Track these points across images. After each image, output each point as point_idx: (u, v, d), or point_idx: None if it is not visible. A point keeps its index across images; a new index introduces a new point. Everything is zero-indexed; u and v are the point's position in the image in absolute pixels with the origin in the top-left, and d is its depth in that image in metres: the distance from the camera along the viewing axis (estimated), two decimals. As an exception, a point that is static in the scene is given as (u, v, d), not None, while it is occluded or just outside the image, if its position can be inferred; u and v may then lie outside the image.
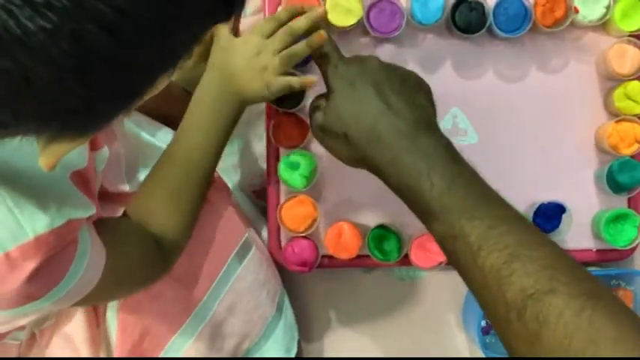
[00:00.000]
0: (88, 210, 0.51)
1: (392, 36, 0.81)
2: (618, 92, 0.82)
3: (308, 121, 0.82)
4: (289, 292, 0.90)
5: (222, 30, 0.69)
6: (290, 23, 0.69)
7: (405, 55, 0.85)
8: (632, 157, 0.83)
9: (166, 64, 0.36)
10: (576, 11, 0.81)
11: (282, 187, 0.85)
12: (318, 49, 0.66)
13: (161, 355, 0.71)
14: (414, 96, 0.62)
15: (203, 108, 0.69)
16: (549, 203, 0.85)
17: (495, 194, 0.57)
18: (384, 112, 0.60)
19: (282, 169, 0.82)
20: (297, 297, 0.92)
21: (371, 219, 0.85)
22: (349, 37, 0.84)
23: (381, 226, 0.84)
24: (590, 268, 0.89)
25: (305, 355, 0.93)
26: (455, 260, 0.55)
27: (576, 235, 0.87)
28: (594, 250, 0.88)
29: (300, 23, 0.68)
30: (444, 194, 0.55)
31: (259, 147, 0.94)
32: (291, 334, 0.86)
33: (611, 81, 0.85)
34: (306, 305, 0.94)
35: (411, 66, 0.85)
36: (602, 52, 0.84)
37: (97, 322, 0.71)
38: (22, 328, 0.69)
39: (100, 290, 0.54)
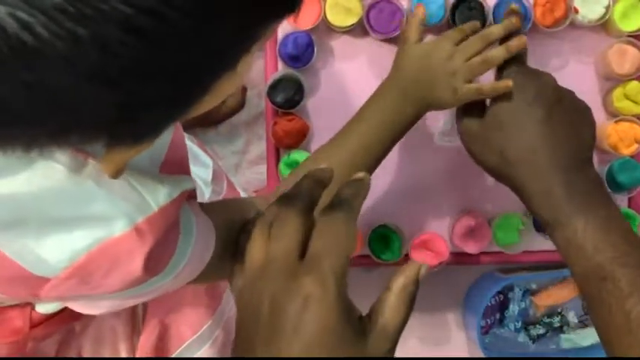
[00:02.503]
0: (192, 182, 0.51)
1: (391, 36, 0.81)
2: (617, 92, 0.83)
3: (308, 122, 0.83)
4: (290, 292, 0.90)
5: (411, 32, 0.68)
6: (486, 30, 0.67)
7: (405, 55, 0.85)
8: (632, 157, 0.83)
9: (215, 66, 0.33)
10: (576, 11, 0.81)
11: (282, 187, 0.85)
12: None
13: (176, 354, 0.71)
14: (580, 129, 0.63)
15: (381, 106, 0.68)
16: (549, 203, 0.85)
17: None
18: (547, 140, 0.61)
19: (283, 169, 0.82)
20: (297, 297, 0.92)
21: (371, 219, 0.85)
22: (349, 37, 0.84)
23: (381, 226, 0.84)
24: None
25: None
26: (597, 300, 0.56)
27: (576, 234, 0.87)
28: (594, 249, 0.88)
29: (496, 30, 0.66)
30: (597, 234, 0.56)
31: (259, 147, 0.95)
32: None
33: (611, 81, 0.85)
34: (306, 305, 0.94)
35: (411, 66, 0.85)
36: (602, 52, 0.84)
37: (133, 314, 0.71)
38: None
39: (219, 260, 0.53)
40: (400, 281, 0.42)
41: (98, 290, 0.45)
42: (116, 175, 0.38)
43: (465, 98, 0.66)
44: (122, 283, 0.45)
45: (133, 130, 0.33)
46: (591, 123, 0.65)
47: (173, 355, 0.71)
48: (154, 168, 0.48)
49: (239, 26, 0.32)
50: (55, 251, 0.42)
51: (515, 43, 0.65)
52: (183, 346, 0.71)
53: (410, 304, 0.42)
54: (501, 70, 0.66)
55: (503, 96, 0.63)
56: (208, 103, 0.37)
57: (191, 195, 0.50)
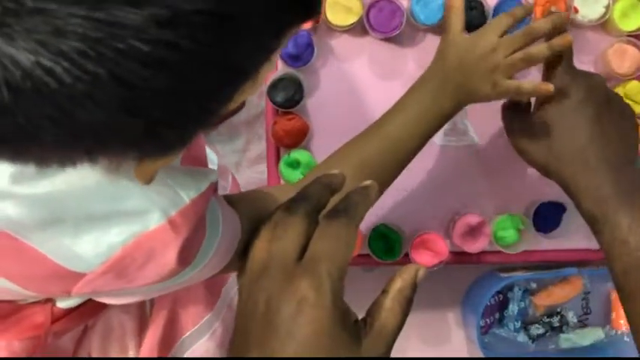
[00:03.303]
0: (215, 173, 0.51)
1: (391, 35, 0.81)
2: (617, 92, 0.83)
3: (308, 121, 0.83)
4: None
5: (454, 22, 0.68)
6: (531, 25, 0.65)
7: (405, 54, 0.85)
8: (632, 156, 0.83)
9: (237, 81, 0.34)
10: (576, 11, 0.81)
11: (282, 187, 0.86)
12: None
13: (174, 349, 0.71)
14: (628, 130, 0.65)
15: (420, 96, 0.68)
16: (549, 203, 0.85)
17: None
18: (597, 138, 0.62)
19: (283, 169, 0.82)
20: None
21: (371, 218, 0.85)
22: (349, 36, 0.84)
23: (381, 226, 0.84)
24: (589, 268, 0.89)
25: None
26: (637, 292, 0.59)
27: (576, 235, 0.87)
28: (594, 249, 0.88)
29: (543, 25, 0.64)
30: None
31: (259, 146, 0.95)
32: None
33: (611, 81, 0.85)
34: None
35: (411, 66, 0.85)
36: (602, 52, 0.84)
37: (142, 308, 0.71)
38: None
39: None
40: (397, 284, 0.42)
41: (133, 284, 0.46)
42: (149, 181, 0.39)
43: (505, 94, 0.66)
44: (157, 276, 0.46)
45: (161, 146, 0.34)
46: (636, 125, 0.66)
47: (175, 346, 0.71)
48: (175, 161, 0.49)
49: (260, 43, 0.33)
50: (91, 247, 0.43)
51: (559, 42, 0.63)
52: (183, 337, 0.71)
53: (406, 308, 0.42)
54: (549, 68, 0.66)
55: (553, 95, 0.64)
56: (230, 108, 0.38)
57: (216, 187, 0.51)
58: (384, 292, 0.42)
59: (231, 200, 0.55)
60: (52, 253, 0.43)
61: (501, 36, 0.65)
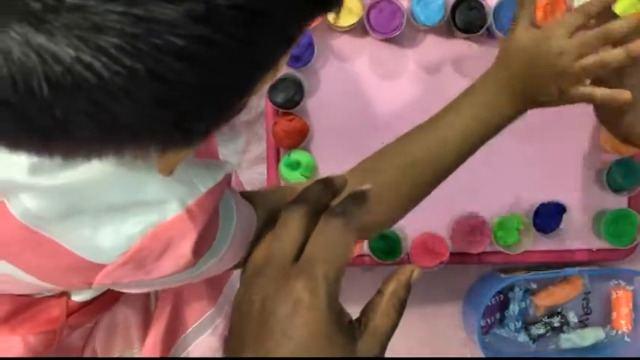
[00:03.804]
0: (231, 165, 0.52)
1: (392, 36, 0.81)
2: None
3: (308, 121, 0.83)
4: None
5: (522, 15, 0.63)
6: (607, 26, 0.59)
7: (405, 55, 0.85)
8: (632, 157, 0.83)
9: (260, 74, 0.34)
10: (576, 11, 0.81)
11: (283, 187, 0.86)
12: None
13: (177, 344, 0.71)
14: None
15: (477, 100, 0.64)
16: (549, 203, 0.85)
17: None
18: None
19: (283, 169, 0.82)
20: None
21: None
22: (349, 37, 0.84)
23: (381, 226, 0.84)
24: (590, 268, 0.89)
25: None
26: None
27: (576, 234, 0.87)
28: (594, 249, 0.88)
29: (619, 27, 0.58)
30: None
31: (259, 147, 0.94)
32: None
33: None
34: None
35: (411, 66, 0.85)
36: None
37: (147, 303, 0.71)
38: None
39: None
40: (391, 285, 0.42)
41: (152, 275, 0.46)
42: (169, 173, 0.39)
43: (573, 101, 0.61)
44: (175, 267, 0.46)
45: (187, 138, 0.35)
46: None
47: (178, 340, 0.71)
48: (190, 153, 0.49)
49: (282, 36, 0.33)
50: (111, 238, 0.43)
51: (637, 47, 0.57)
52: (187, 332, 0.71)
53: (400, 309, 0.42)
54: (622, 74, 0.61)
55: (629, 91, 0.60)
56: (252, 98, 0.38)
57: (230, 179, 0.52)
58: (379, 292, 0.43)
59: (246, 195, 0.55)
60: (73, 245, 0.43)
61: (571, 36, 0.60)
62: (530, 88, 0.62)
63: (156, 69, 0.28)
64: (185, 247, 0.45)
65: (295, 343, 0.38)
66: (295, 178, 0.82)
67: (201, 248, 0.47)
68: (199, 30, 0.28)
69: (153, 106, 0.30)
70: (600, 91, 0.60)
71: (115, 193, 0.43)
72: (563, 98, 0.61)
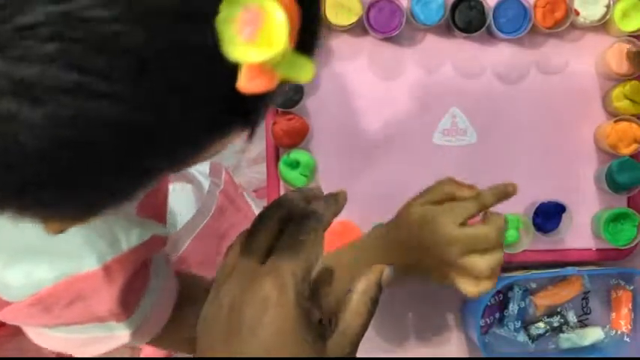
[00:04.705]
0: (165, 229, 0.51)
1: (391, 35, 0.81)
2: (617, 92, 0.82)
3: (307, 121, 0.83)
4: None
5: (425, 194, 0.65)
6: (497, 223, 0.62)
7: (405, 54, 0.85)
8: (632, 156, 0.83)
9: (149, 176, 0.31)
10: (577, 14, 0.81)
11: (283, 186, 0.86)
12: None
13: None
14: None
15: (362, 253, 0.66)
16: (549, 203, 0.85)
17: None
18: None
19: (282, 168, 0.82)
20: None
21: (371, 217, 0.85)
22: (349, 36, 0.84)
23: (380, 225, 0.84)
24: (589, 268, 0.89)
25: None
26: None
27: (576, 234, 0.87)
28: (594, 249, 0.88)
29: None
30: None
31: (259, 146, 0.94)
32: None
33: (611, 81, 0.85)
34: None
35: (411, 65, 0.85)
36: (602, 52, 0.84)
37: None
38: None
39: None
40: (362, 284, 0.42)
41: (58, 320, 0.46)
42: (59, 232, 0.36)
43: (443, 283, 0.64)
44: (83, 318, 0.46)
45: (42, 212, 0.32)
46: None
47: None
48: (130, 208, 0.48)
49: (184, 148, 0.31)
50: (21, 279, 0.43)
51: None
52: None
53: (371, 308, 0.42)
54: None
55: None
56: (207, 155, 0.35)
57: (163, 242, 0.51)
58: (349, 291, 0.43)
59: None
60: None
61: (461, 225, 0.62)
62: (410, 259, 0.63)
63: (15, 163, 0.26)
64: (100, 302, 0.45)
65: (263, 340, 0.38)
66: (294, 178, 0.82)
67: (128, 303, 0.46)
68: (64, 133, 0.26)
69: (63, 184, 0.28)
70: (470, 289, 0.62)
71: (35, 235, 0.41)
72: (444, 283, 0.63)
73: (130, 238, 0.45)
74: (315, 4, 0.33)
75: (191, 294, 0.55)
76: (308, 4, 0.30)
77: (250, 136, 0.32)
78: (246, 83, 0.28)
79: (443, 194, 0.64)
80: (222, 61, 0.27)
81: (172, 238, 0.74)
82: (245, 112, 0.31)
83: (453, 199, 0.64)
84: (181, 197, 0.81)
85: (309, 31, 0.31)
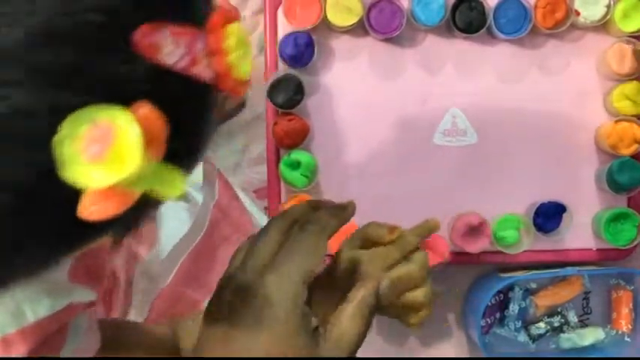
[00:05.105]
0: (90, 295, 0.50)
1: (392, 36, 0.81)
2: (617, 92, 0.83)
3: (308, 121, 0.83)
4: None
5: (355, 235, 0.61)
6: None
7: (405, 55, 0.85)
8: (632, 157, 0.83)
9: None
10: (577, 14, 0.81)
11: (283, 187, 0.86)
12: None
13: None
14: None
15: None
16: (549, 203, 0.85)
17: None
18: None
19: (283, 169, 0.82)
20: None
21: (371, 218, 0.85)
22: (349, 37, 0.84)
23: (381, 226, 0.84)
24: (590, 268, 0.89)
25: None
26: None
27: (576, 234, 0.87)
28: (594, 249, 0.88)
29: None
30: None
31: (259, 147, 0.94)
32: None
33: (611, 81, 0.85)
34: (307, 305, 0.94)
35: (411, 66, 0.85)
36: (602, 52, 0.84)
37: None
38: None
39: None
40: (360, 293, 0.43)
41: None
42: None
43: None
44: None
45: None
46: None
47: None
48: (61, 273, 0.46)
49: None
50: None
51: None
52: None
53: (368, 317, 0.43)
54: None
55: None
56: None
57: (86, 307, 0.50)
58: (346, 300, 0.43)
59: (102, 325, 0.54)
60: None
61: (386, 270, 0.58)
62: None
63: None
64: None
65: (262, 341, 0.39)
66: (295, 178, 0.82)
67: None
68: None
69: None
70: (411, 321, 0.63)
71: None
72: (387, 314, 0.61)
73: (37, 309, 0.43)
74: (190, 106, 0.29)
75: (120, 338, 0.55)
76: (179, 110, 0.27)
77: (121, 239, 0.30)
78: (88, 208, 0.25)
79: (366, 239, 0.61)
80: (59, 184, 0.25)
81: (163, 261, 0.73)
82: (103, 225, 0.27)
83: (377, 243, 0.60)
84: (172, 213, 0.79)
85: (182, 138, 0.28)
